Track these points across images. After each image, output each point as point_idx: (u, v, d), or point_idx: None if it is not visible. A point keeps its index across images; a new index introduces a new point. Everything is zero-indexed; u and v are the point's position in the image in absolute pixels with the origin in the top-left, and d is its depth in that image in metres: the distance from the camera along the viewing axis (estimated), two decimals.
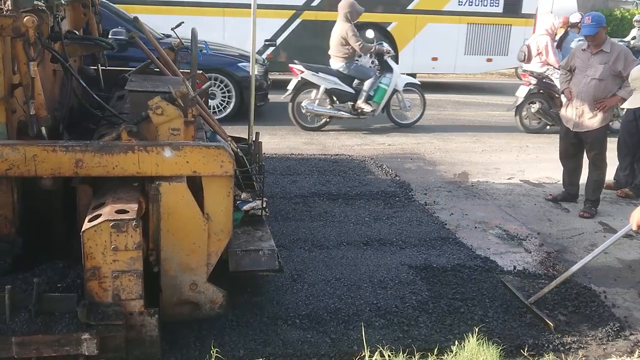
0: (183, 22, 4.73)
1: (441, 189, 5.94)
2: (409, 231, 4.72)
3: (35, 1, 2.91)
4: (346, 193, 5.51)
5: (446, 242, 4.57)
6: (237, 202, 3.62)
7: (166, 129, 2.95)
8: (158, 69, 4.08)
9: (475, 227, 4.96)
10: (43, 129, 2.86)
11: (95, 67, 4.50)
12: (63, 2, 3.75)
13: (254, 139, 4.22)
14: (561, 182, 5.83)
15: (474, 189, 5.98)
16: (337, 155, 6.89)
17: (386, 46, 8.45)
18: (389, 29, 11.79)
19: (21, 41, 2.69)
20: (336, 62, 8.10)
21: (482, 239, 4.71)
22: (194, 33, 3.65)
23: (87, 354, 2.56)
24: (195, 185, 2.95)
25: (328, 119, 8.21)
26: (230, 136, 4.14)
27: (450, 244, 4.54)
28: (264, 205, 3.71)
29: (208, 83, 3.20)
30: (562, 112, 5.58)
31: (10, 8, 2.61)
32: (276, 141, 7.42)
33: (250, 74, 4.39)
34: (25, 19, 2.64)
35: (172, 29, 4.62)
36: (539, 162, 7.12)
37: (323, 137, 7.84)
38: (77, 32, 4.25)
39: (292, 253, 4.14)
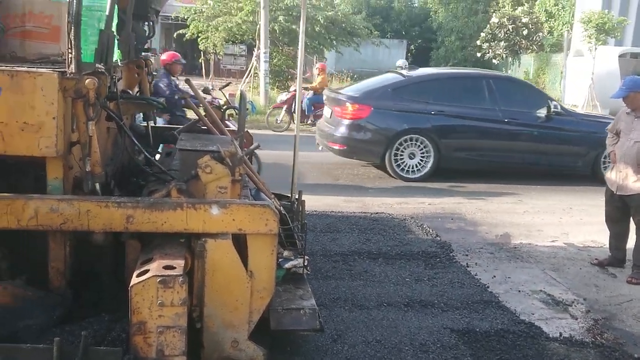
0: (230, 83, 4.91)
1: (483, 250, 5.86)
2: (451, 293, 4.64)
3: (96, 64, 3.08)
4: (386, 252, 5.49)
5: (489, 305, 4.48)
6: (279, 260, 3.64)
7: (214, 187, 3.03)
8: (205, 127, 4.22)
9: (519, 291, 4.85)
10: (97, 185, 2.97)
11: (146, 124, 4.68)
12: (120, 64, 3.95)
13: (296, 197, 4.28)
14: (607, 246, 5.68)
15: (516, 252, 5.88)
16: (377, 213, 6.89)
17: None
18: None
19: (82, 102, 2.84)
20: None
21: (526, 304, 4.60)
22: (242, 94, 3.78)
23: None
24: (239, 242, 3.00)
25: None
26: (273, 193, 4.21)
27: (493, 307, 4.45)
28: (306, 264, 3.72)
29: (256, 144, 3.30)
30: (607, 175, 5.51)
31: (74, 71, 2.77)
32: (316, 198, 7.47)
33: (295, 133, 4.49)
34: (86, 81, 2.79)
35: (220, 89, 4.80)
36: (584, 225, 6.97)
37: (362, 195, 7.87)
38: (130, 92, 4.44)
39: (332, 312, 4.12)
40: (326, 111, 9.92)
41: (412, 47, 34.88)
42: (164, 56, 8.05)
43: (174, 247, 2.95)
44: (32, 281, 2.97)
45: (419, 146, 8.93)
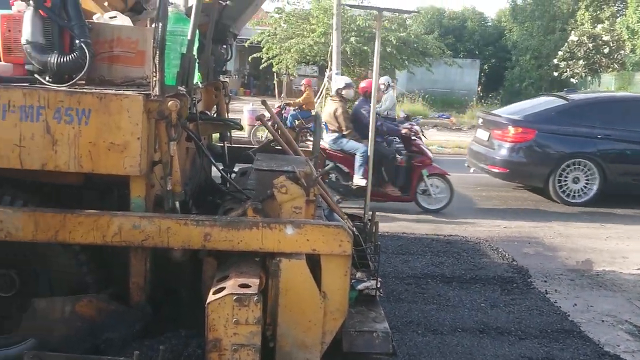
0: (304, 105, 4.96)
1: (562, 276, 5.61)
2: (529, 320, 4.47)
3: (178, 87, 3.18)
4: (460, 276, 5.36)
5: (570, 335, 4.27)
6: (352, 281, 3.62)
7: (289, 207, 3.05)
8: (280, 147, 4.28)
9: (602, 321, 4.61)
10: (177, 204, 3.06)
11: (222, 144, 4.79)
12: (200, 86, 4.08)
13: (369, 218, 4.25)
14: None
15: (599, 279, 5.60)
16: (450, 235, 6.75)
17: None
18: None
19: (164, 123, 2.94)
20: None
21: (611, 335, 4.36)
22: (317, 116, 3.81)
23: None
24: (313, 263, 3.00)
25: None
26: (346, 214, 4.20)
27: (575, 337, 4.24)
28: (379, 286, 3.68)
29: (330, 165, 3.32)
30: None
31: (157, 94, 2.88)
32: (387, 218, 7.41)
33: (369, 154, 4.47)
34: (169, 103, 2.89)
35: (294, 110, 4.85)
36: None
37: (435, 216, 7.73)
38: (208, 113, 4.57)
39: (404, 336, 4.04)
40: (481, 134, 9.88)
41: (485, 66, 34.29)
42: (363, 83, 8.31)
43: (250, 266, 2.98)
44: (115, 296, 3.08)
45: (584, 170, 8.79)
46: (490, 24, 38.09)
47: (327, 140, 7.88)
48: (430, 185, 7.93)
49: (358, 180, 7.68)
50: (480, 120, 10.29)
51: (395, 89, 12.00)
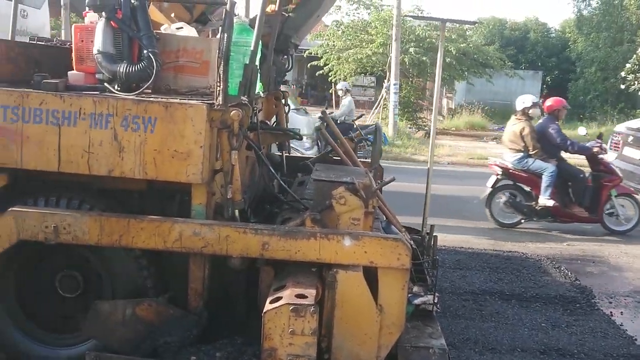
0: (363, 115, 4.94)
1: (629, 298, 5.37)
2: (593, 343, 4.28)
3: (240, 96, 3.23)
4: (520, 294, 5.20)
5: None
6: (409, 295, 3.56)
7: (347, 218, 3.04)
8: (338, 158, 4.28)
9: None
10: (236, 212, 3.09)
11: (281, 154, 4.83)
12: (261, 95, 4.13)
13: (427, 231, 4.19)
14: None
15: None
16: (510, 251, 6.57)
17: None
18: None
19: (226, 132, 2.98)
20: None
21: None
22: (378, 127, 3.79)
23: None
24: (370, 275, 2.97)
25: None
26: (404, 226, 4.16)
27: None
28: (436, 301, 3.61)
29: (391, 177, 3.28)
30: None
31: (221, 103, 2.92)
32: (445, 232, 7.27)
33: (429, 166, 4.42)
34: (232, 113, 2.93)
35: (353, 121, 4.85)
36: None
37: (494, 232, 7.55)
38: (268, 122, 4.62)
39: (461, 354, 3.95)
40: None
41: (547, 78, 33.42)
42: (549, 102, 8.16)
43: (306, 276, 2.98)
44: (172, 300, 3.14)
45: None
46: (553, 34, 37.13)
47: (509, 160, 7.77)
48: (619, 205, 7.72)
49: (544, 200, 7.53)
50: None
51: (350, 94, 11.57)
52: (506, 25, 36.74)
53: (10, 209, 2.96)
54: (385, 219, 4.00)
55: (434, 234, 4.08)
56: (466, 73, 21.63)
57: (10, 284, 3.30)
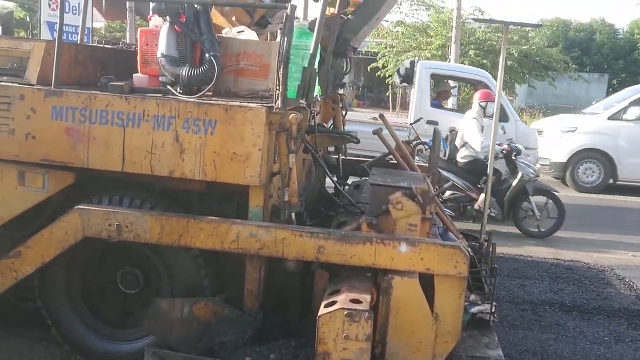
0: (422, 118, 4.89)
1: None
2: None
3: (298, 100, 3.24)
4: (581, 305, 5.01)
5: None
6: (465, 304, 3.49)
7: (404, 224, 3.00)
8: (395, 161, 4.24)
9: None
10: (293, 215, 3.11)
11: (337, 157, 4.83)
12: (319, 98, 4.14)
13: (486, 238, 4.10)
14: None
15: None
16: (571, 261, 6.35)
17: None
18: None
19: (285, 135, 3.01)
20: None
21: None
22: (437, 132, 3.74)
23: None
24: (426, 282, 2.93)
25: None
26: (461, 233, 4.08)
27: None
28: (493, 310, 3.53)
29: (449, 183, 3.23)
30: None
31: (279, 106, 2.94)
32: (503, 239, 7.11)
33: (488, 171, 4.32)
34: (290, 116, 2.95)
35: (411, 124, 4.80)
36: None
37: (554, 241, 7.31)
38: (325, 125, 4.63)
39: None
40: None
41: (614, 81, 32.19)
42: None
43: (361, 281, 2.96)
44: (228, 300, 3.18)
45: None
46: (621, 36, 35.70)
47: None
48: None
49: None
50: None
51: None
52: (571, 27, 35.58)
53: (76, 207, 3.07)
54: (442, 224, 3.94)
55: (492, 242, 3.99)
56: (527, 76, 21.07)
57: (76, 280, 3.43)
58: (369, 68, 23.15)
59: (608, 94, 29.87)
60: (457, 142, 7.22)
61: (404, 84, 9.13)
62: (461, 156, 7.12)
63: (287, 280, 3.26)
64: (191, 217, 3.03)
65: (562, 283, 5.55)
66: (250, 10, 4.10)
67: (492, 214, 7.09)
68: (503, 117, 8.46)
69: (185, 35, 3.21)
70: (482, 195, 6.81)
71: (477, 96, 7.40)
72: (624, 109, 10.97)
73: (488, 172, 4.30)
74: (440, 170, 5.76)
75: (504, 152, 7.14)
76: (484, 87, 8.50)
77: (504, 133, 8.27)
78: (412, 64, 9.26)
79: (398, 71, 9.38)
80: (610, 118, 11.03)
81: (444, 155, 7.01)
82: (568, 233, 7.50)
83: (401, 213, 2.99)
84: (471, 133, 6.97)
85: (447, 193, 6.86)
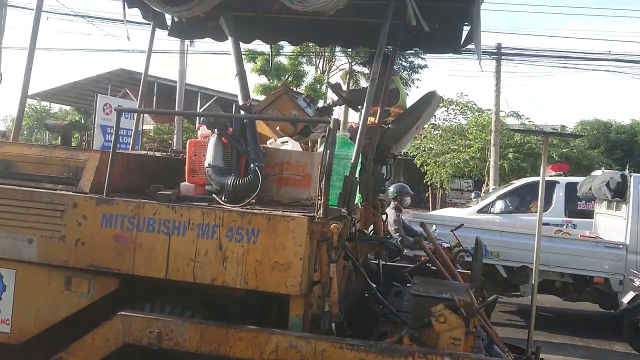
0: (463, 225, 4.88)
1: None
2: None
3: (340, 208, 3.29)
4: None
5: None
6: None
7: (447, 337, 2.92)
8: (435, 268, 4.19)
9: None
10: (333, 325, 3.06)
11: (377, 262, 4.79)
12: (360, 206, 4.18)
13: (533, 351, 3.93)
14: None
15: None
16: None
17: None
18: None
19: (326, 244, 3.02)
20: None
21: None
22: (478, 241, 3.70)
23: None
24: None
25: None
26: (506, 344, 3.93)
27: None
28: None
29: (494, 296, 3.16)
30: None
31: (321, 216, 2.99)
32: (552, 351, 6.78)
33: (534, 275, 4.21)
34: (332, 226, 2.97)
35: (452, 231, 4.78)
36: None
37: (608, 356, 6.91)
38: (365, 232, 4.64)
39: None
40: None
41: None
42: None
43: None
44: None
45: None
46: None
47: None
48: None
49: None
50: None
51: None
52: (611, 129, 35.57)
53: (119, 313, 3.10)
54: (486, 336, 3.81)
55: (540, 356, 3.82)
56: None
57: None
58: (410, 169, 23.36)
59: None
60: None
61: (617, 198, 8.42)
62: None
63: None
64: (231, 327, 3.00)
65: None
66: None
67: None
68: None
69: (232, 146, 3.35)
70: None
71: None
72: None
73: (533, 278, 4.19)
74: None
75: None
76: None
77: None
78: (624, 177, 8.47)
79: (607, 185, 8.56)
80: None
81: None
82: None
83: (444, 326, 2.92)
84: None
85: None
